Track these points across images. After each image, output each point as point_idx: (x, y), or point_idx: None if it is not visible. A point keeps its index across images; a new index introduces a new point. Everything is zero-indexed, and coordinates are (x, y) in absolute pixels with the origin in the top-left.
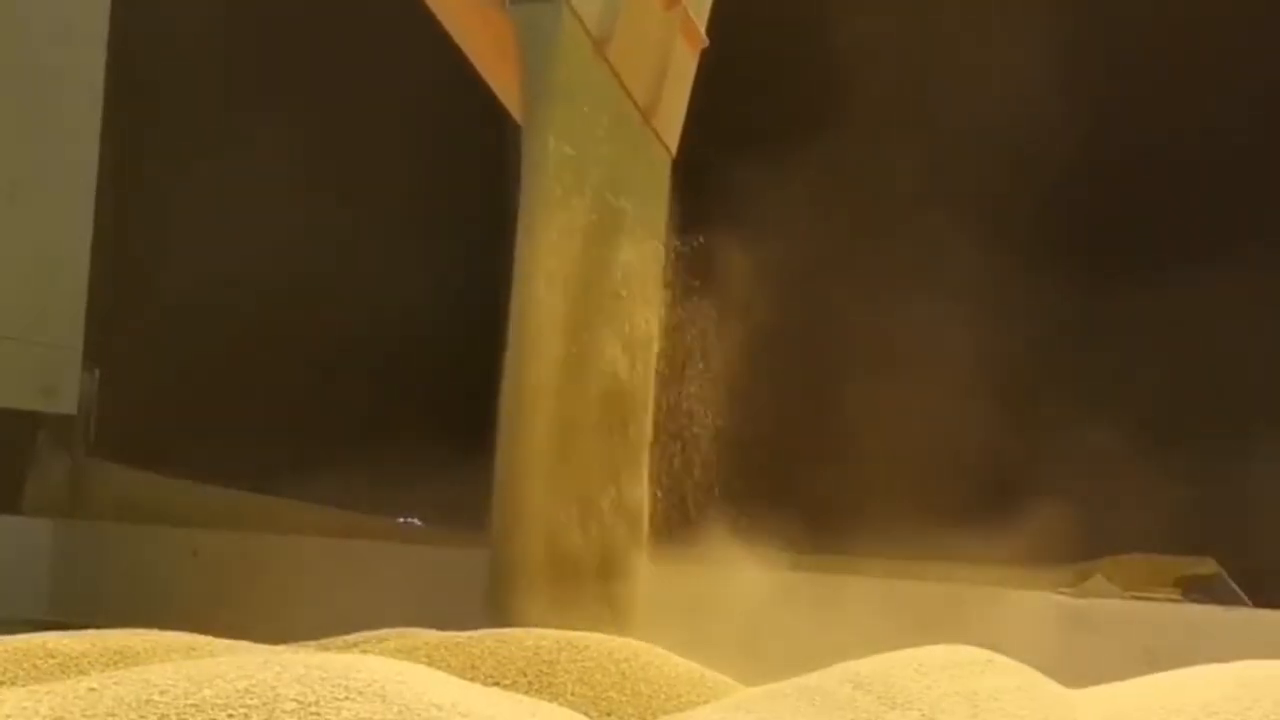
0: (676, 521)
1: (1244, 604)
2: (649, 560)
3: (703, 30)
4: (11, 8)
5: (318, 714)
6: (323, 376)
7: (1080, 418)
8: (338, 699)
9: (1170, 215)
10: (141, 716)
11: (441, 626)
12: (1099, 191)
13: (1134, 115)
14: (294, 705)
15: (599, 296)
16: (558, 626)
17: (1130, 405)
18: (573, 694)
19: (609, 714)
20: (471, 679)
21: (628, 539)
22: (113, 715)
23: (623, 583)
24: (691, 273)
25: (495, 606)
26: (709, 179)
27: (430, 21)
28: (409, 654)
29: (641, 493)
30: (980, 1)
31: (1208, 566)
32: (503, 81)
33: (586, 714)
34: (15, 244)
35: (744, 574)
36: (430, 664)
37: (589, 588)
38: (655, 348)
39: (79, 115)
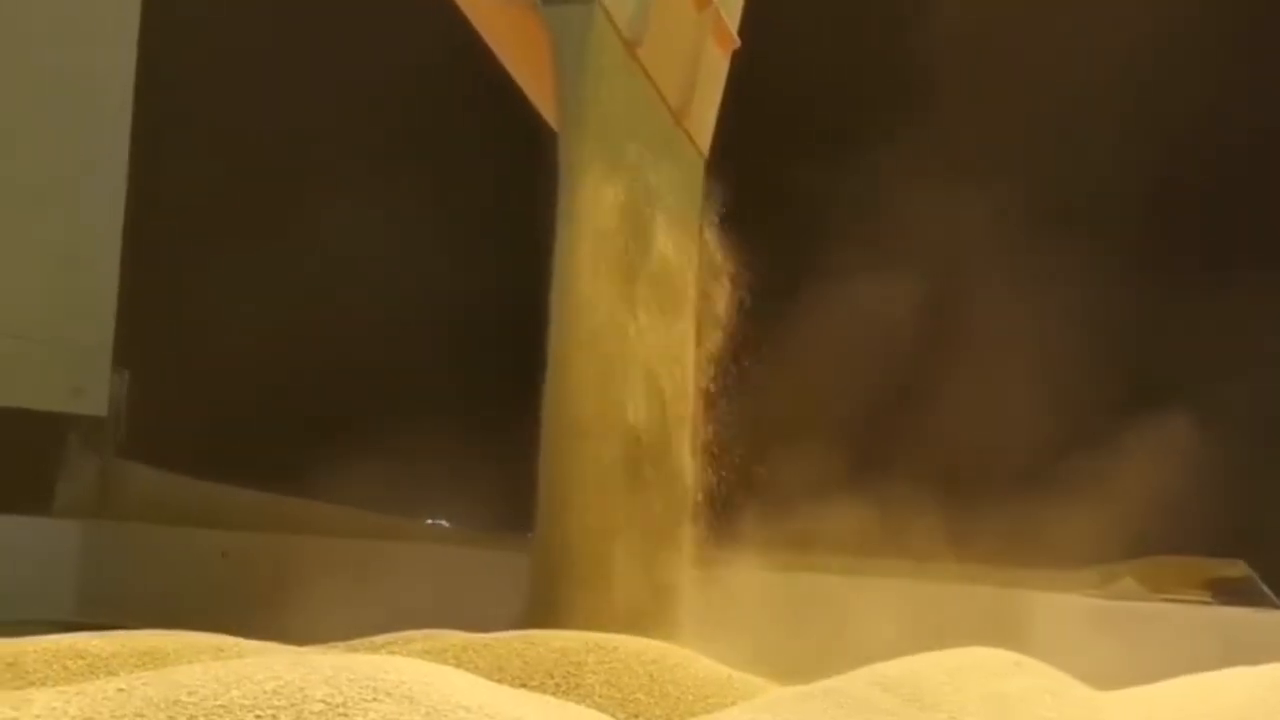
0: (716, 526)
1: (1275, 606)
2: (691, 564)
3: (734, 32)
4: (42, 11)
5: (346, 715)
6: (352, 379)
7: (1116, 419)
8: (366, 700)
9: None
10: (170, 717)
11: (469, 627)
12: (1132, 195)
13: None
14: (322, 706)
15: (636, 296)
16: (600, 629)
17: (1163, 406)
18: (600, 695)
19: (636, 716)
20: (499, 680)
21: (671, 542)
22: (141, 716)
23: (667, 584)
24: (728, 270)
25: (538, 607)
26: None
27: (464, 25)
28: (437, 655)
29: (685, 503)
30: None
31: (1238, 569)
32: (536, 84)
33: (614, 716)
34: (45, 246)
35: (774, 576)
36: (458, 665)
37: (634, 589)
38: (692, 346)
39: (109, 118)
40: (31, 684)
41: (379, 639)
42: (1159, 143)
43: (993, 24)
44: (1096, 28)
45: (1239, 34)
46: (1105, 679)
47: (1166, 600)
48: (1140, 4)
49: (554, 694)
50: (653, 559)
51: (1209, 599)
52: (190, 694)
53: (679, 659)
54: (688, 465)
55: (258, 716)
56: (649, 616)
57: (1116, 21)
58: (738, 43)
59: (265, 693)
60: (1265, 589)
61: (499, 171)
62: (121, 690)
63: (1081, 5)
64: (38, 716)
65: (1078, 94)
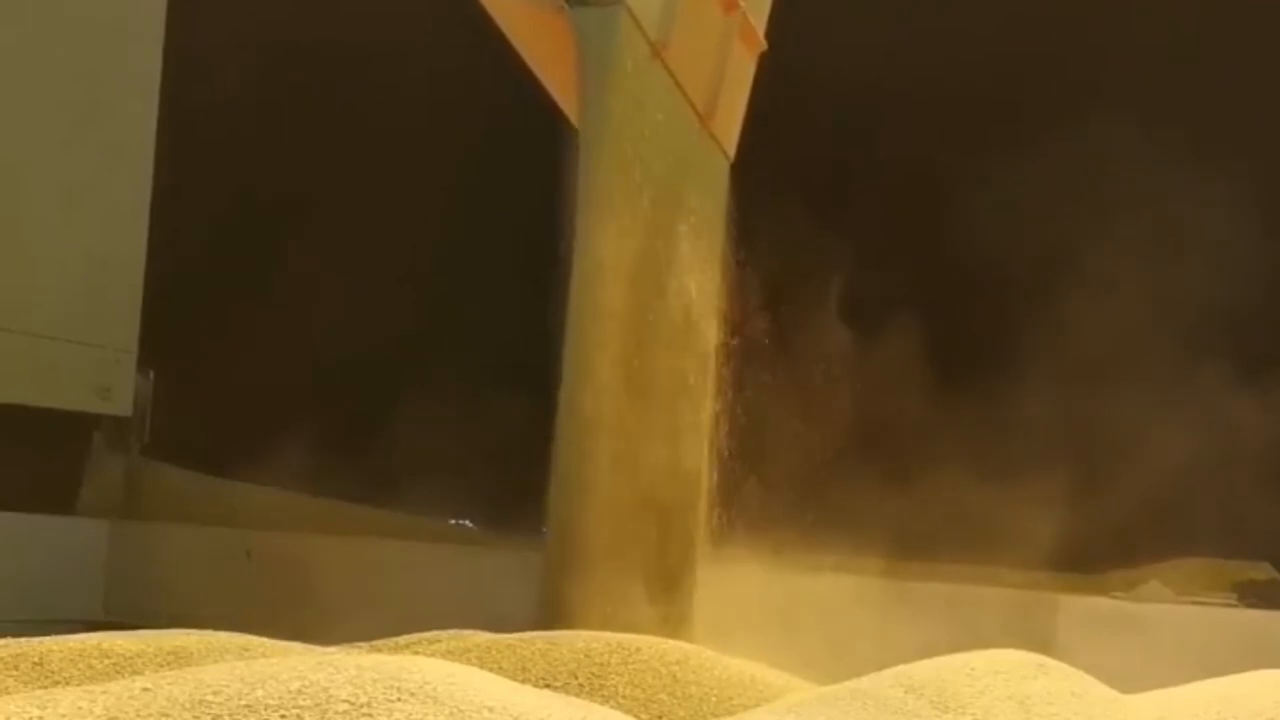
0: (733, 524)
1: None
2: (706, 563)
3: (761, 34)
4: (67, 10)
5: (370, 715)
6: (376, 379)
7: (1141, 419)
8: (390, 700)
9: None
10: (195, 717)
11: (493, 628)
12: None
13: None
14: (346, 706)
15: (658, 300)
16: (614, 628)
17: (1188, 406)
18: (624, 696)
19: (660, 717)
20: (523, 681)
21: (686, 540)
22: (166, 715)
23: (680, 585)
24: (751, 270)
25: (551, 609)
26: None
27: (487, 25)
28: (460, 655)
29: (700, 496)
30: None
31: (1264, 572)
32: (561, 85)
33: (637, 717)
34: (71, 246)
35: (798, 578)
36: (482, 665)
37: (647, 589)
38: (714, 349)
39: (135, 118)
40: (57, 683)
41: (403, 639)
42: None
43: None
44: None
45: None
46: (1130, 682)
47: (1192, 603)
48: None
49: (578, 694)
50: (667, 564)
51: (1235, 602)
52: (215, 693)
53: (703, 660)
54: (703, 467)
55: (282, 716)
56: (663, 618)
57: None
58: (764, 45)
59: (290, 693)
60: None
61: (522, 173)
62: (147, 690)
63: None
64: (64, 715)
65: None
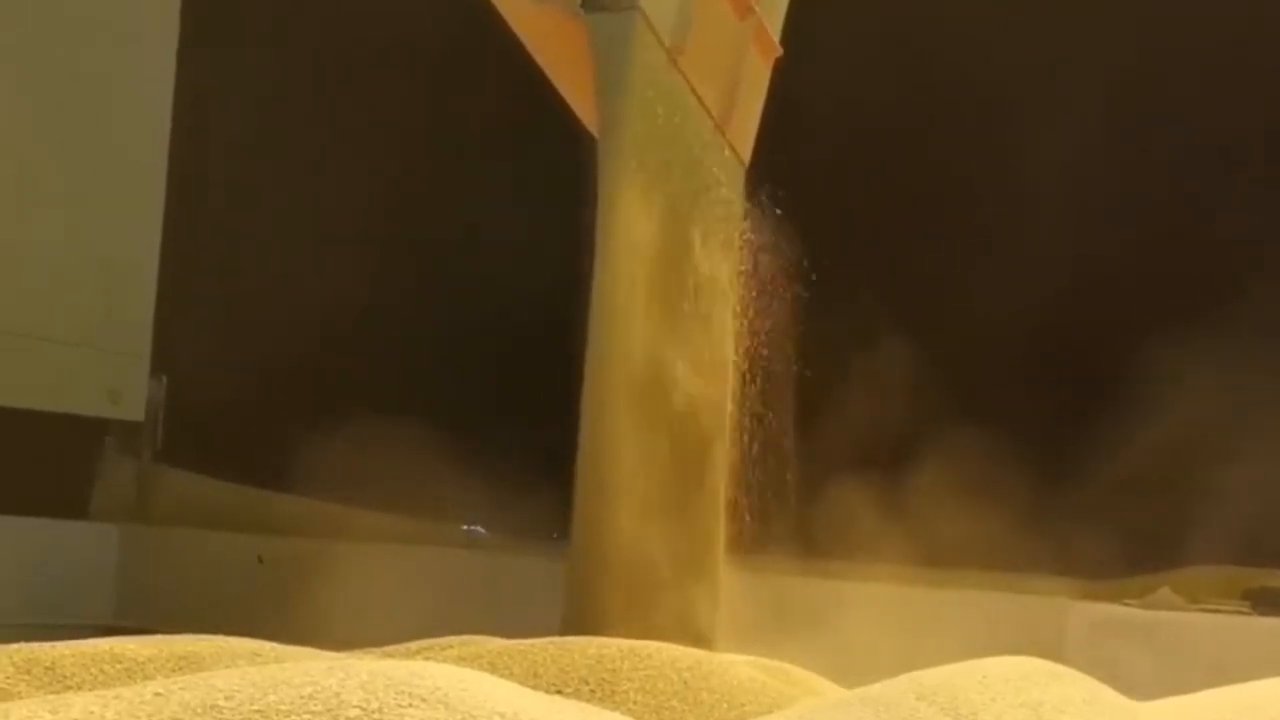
0: (751, 530)
1: None
2: (726, 570)
3: (776, 40)
4: (79, 11)
5: None
6: (389, 383)
7: (1148, 423)
8: (401, 705)
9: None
10: None
11: (504, 633)
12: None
13: None
14: (358, 712)
15: (676, 307)
16: (638, 637)
17: (1189, 412)
18: (635, 702)
19: None
20: (534, 687)
21: (706, 550)
22: None
23: (702, 593)
24: (767, 279)
25: (574, 619)
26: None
27: (503, 30)
28: (472, 661)
29: (719, 504)
30: None
31: (1277, 579)
32: (577, 91)
33: None
34: (83, 249)
35: (814, 584)
36: (493, 671)
37: (668, 598)
38: (731, 357)
39: (147, 120)
40: (69, 688)
41: (414, 645)
42: None
43: None
44: None
45: None
46: (1143, 689)
47: (1205, 610)
48: None
49: (589, 700)
50: (690, 569)
51: (1248, 610)
52: (227, 699)
53: (714, 665)
54: (723, 476)
55: None
56: (687, 627)
57: None
58: (779, 51)
59: (301, 698)
60: None
61: (540, 178)
62: (159, 694)
63: None
64: None
65: None
